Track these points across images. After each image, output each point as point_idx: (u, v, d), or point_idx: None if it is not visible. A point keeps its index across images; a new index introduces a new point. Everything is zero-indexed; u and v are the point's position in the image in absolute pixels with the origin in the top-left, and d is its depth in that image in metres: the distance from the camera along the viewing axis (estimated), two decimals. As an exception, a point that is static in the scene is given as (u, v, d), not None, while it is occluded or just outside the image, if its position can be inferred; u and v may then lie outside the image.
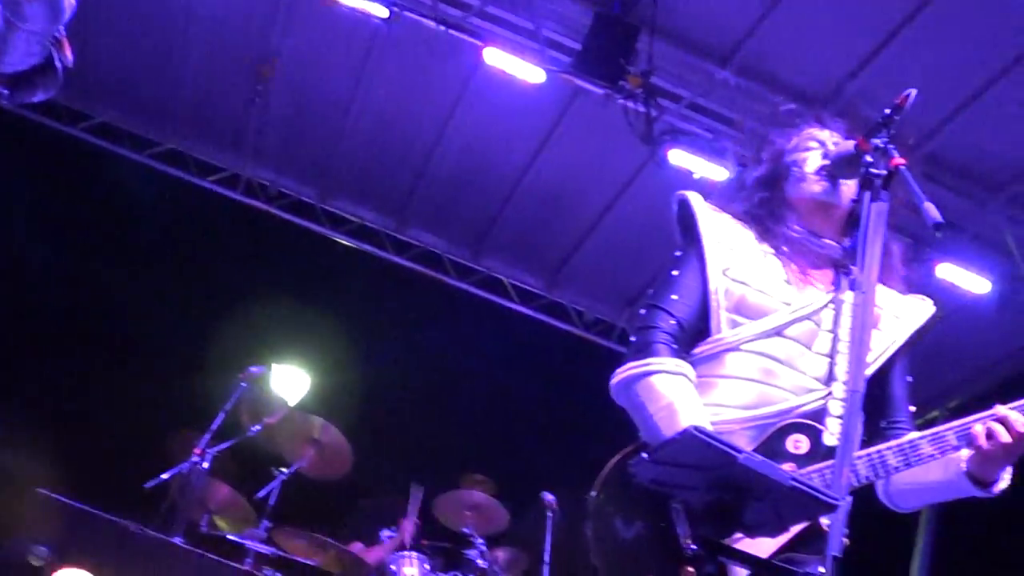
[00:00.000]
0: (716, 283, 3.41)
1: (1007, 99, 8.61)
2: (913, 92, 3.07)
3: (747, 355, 3.35)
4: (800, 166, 3.58)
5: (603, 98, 9.04)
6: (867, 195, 3.04)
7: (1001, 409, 3.14)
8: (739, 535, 2.96)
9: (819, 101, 8.69)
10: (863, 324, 2.88)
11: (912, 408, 3.51)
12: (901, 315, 3.59)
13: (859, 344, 2.86)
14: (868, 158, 3.10)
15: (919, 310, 3.63)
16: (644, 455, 2.87)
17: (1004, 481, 3.25)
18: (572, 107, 9.77)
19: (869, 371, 3.30)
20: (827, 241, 3.56)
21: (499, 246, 11.64)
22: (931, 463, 3.19)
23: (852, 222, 3.50)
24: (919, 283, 9.62)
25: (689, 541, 2.96)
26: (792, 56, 8.93)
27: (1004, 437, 3.08)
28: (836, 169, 3.43)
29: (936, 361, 10.31)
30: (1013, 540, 10.42)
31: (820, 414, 3.29)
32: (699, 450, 2.62)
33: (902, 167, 3.03)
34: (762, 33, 8.76)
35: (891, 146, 3.08)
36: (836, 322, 3.42)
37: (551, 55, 9.02)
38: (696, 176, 8.93)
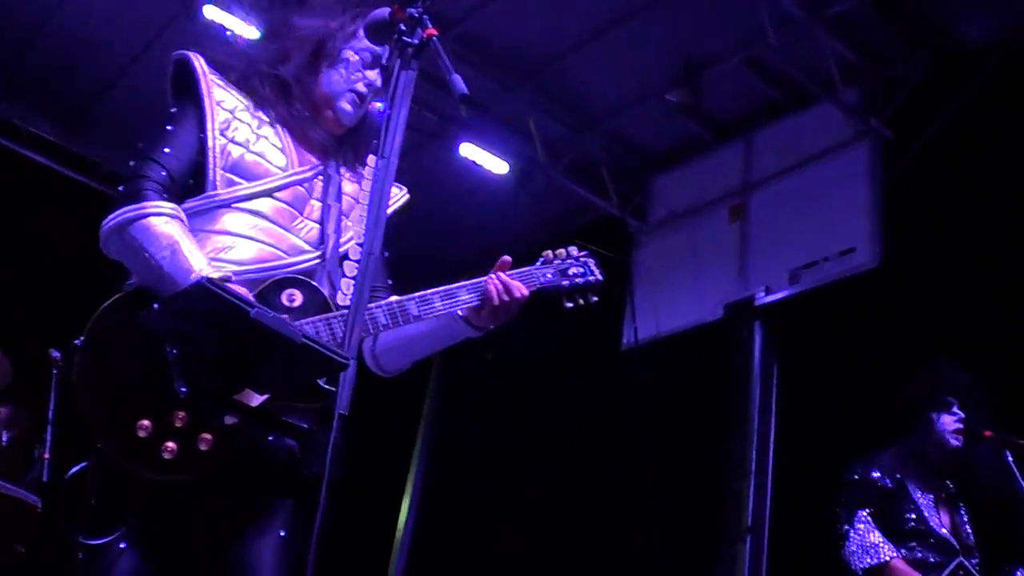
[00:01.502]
0: (213, 141, 3.40)
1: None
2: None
3: (240, 214, 3.36)
4: (346, 67, 3.62)
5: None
6: (397, 63, 3.05)
7: (503, 276, 3.46)
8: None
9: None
10: (383, 189, 2.91)
11: (390, 281, 3.63)
12: None
13: (379, 208, 2.89)
14: (402, 26, 3.09)
15: (396, 195, 3.72)
16: (155, 305, 2.82)
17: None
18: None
19: (347, 246, 3.47)
20: (321, 131, 3.64)
21: (18, 91, 11.02)
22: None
23: (358, 128, 3.67)
24: (441, 159, 9.81)
25: (181, 386, 2.97)
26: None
27: (514, 295, 3.43)
28: (370, 33, 3.43)
29: (452, 237, 10.67)
30: (514, 390, 11.04)
31: (311, 275, 3.38)
32: (211, 302, 2.58)
33: (434, 37, 3.06)
34: None
35: (426, 16, 3.10)
36: (325, 192, 3.53)
37: None
38: (229, 33, 8.73)
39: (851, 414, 7.61)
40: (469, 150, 9.99)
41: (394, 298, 3.41)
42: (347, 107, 3.60)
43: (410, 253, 7.87)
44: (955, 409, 5.84)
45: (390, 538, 11.70)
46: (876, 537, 5.55)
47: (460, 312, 3.45)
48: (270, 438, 3.15)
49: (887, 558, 5.50)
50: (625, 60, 9.43)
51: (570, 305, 3.63)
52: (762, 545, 8.72)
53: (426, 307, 3.37)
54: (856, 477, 5.81)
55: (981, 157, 8.09)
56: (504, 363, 10.99)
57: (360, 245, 2.91)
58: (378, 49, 3.60)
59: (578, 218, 11.19)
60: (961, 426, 5.78)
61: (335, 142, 3.65)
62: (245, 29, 8.71)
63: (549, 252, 3.63)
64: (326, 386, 3.03)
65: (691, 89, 9.44)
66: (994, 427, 5.66)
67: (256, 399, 3.08)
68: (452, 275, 3.66)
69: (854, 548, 5.56)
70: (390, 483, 11.87)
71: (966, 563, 5.62)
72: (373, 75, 3.63)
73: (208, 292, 2.55)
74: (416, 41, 3.06)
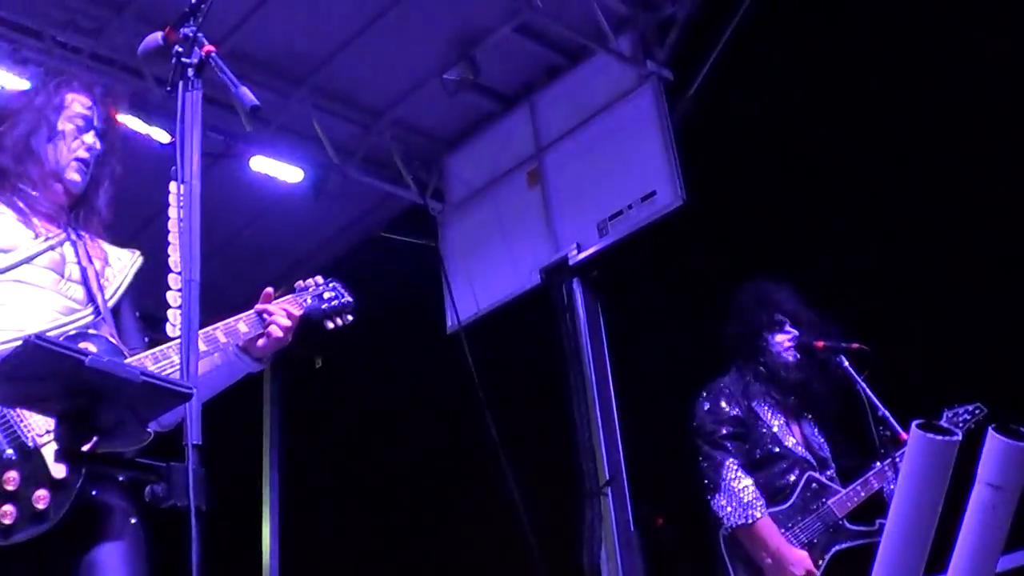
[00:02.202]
0: None
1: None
2: (215, -15, 3.11)
3: (5, 284, 3.38)
4: (63, 138, 3.66)
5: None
6: (180, 84, 3.01)
7: (281, 301, 3.77)
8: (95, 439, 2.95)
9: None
10: (190, 214, 2.88)
11: (147, 339, 3.64)
12: (119, 262, 3.76)
13: (190, 234, 2.86)
14: (178, 48, 3.06)
15: (132, 259, 3.80)
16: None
17: (268, 360, 3.75)
18: None
19: (110, 303, 3.57)
20: (51, 203, 3.67)
21: None
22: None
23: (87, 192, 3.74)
24: (234, 179, 9.60)
25: (7, 448, 3.02)
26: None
27: (287, 321, 3.67)
28: (144, 62, 3.43)
29: (260, 255, 10.55)
30: (353, 393, 10.99)
31: (93, 328, 3.43)
32: (45, 358, 2.52)
33: (213, 54, 3.04)
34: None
35: (200, 34, 3.07)
36: (77, 254, 3.57)
37: None
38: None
39: (684, 352, 7.71)
40: (261, 163, 9.87)
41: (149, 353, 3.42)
42: (75, 176, 3.66)
43: (221, 279, 7.80)
44: (787, 327, 5.95)
45: (257, 560, 11.55)
46: (748, 495, 5.53)
47: (240, 343, 3.59)
48: (118, 481, 3.17)
49: (757, 516, 5.51)
50: (397, 47, 9.40)
51: (331, 326, 3.98)
52: (624, 495, 8.82)
53: (212, 345, 3.47)
54: (707, 412, 5.84)
55: (758, 81, 8.27)
56: (337, 369, 10.92)
57: (178, 274, 2.88)
58: (88, 112, 3.72)
59: (381, 212, 11.15)
60: (795, 342, 5.91)
61: (67, 210, 3.69)
62: (17, 83, 8.37)
63: (301, 281, 3.96)
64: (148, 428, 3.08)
65: (467, 65, 9.49)
66: (824, 337, 5.79)
67: (86, 446, 3.03)
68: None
69: (724, 503, 5.55)
70: (246, 507, 11.71)
71: (816, 476, 5.71)
72: (91, 138, 3.70)
73: (39, 348, 2.50)
74: (195, 61, 3.03)
